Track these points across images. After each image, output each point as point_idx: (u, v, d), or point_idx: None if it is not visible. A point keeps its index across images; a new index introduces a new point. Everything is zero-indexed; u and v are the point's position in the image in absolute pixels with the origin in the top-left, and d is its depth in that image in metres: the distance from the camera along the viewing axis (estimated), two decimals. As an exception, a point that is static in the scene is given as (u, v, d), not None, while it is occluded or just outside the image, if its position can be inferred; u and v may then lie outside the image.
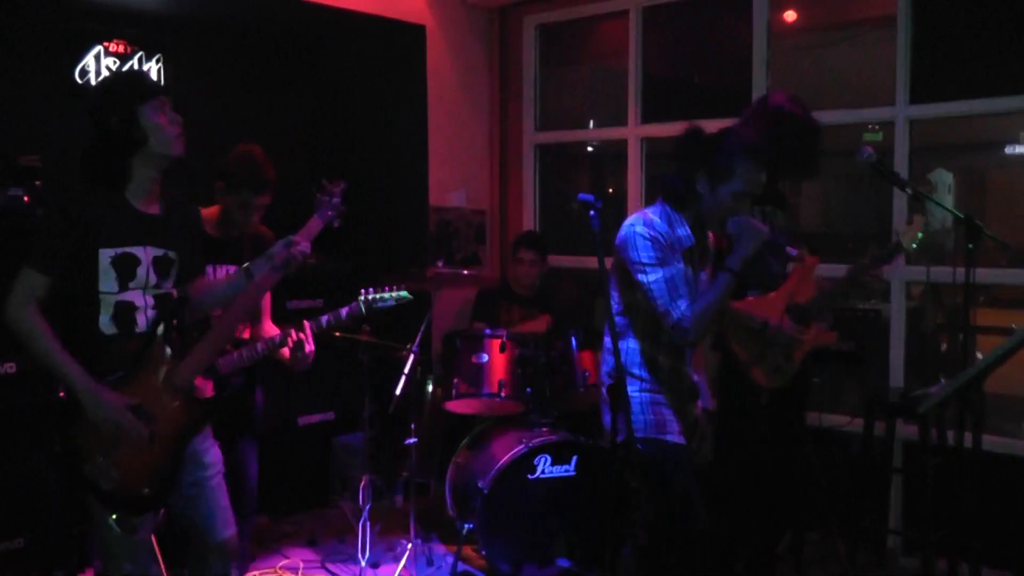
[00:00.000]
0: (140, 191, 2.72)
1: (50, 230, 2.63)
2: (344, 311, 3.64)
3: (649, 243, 2.94)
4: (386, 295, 3.71)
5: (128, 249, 2.67)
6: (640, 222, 2.99)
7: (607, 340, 3.12)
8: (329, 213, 2.98)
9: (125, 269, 2.66)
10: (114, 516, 2.67)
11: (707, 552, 3.04)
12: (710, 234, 3.19)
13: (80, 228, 2.60)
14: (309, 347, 3.38)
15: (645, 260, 2.93)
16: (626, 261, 2.99)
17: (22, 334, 2.60)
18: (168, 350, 2.73)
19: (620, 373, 2.76)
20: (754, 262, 3.50)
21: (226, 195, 3.64)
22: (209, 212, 3.68)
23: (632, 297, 3.04)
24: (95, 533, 2.78)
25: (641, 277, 2.94)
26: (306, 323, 3.46)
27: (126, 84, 2.78)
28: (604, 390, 2.99)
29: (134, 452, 2.65)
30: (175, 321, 2.79)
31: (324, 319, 3.60)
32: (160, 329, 2.72)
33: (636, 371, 3.05)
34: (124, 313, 2.67)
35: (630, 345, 3.07)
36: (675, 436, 3.05)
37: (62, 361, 2.59)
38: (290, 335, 3.39)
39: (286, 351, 3.43)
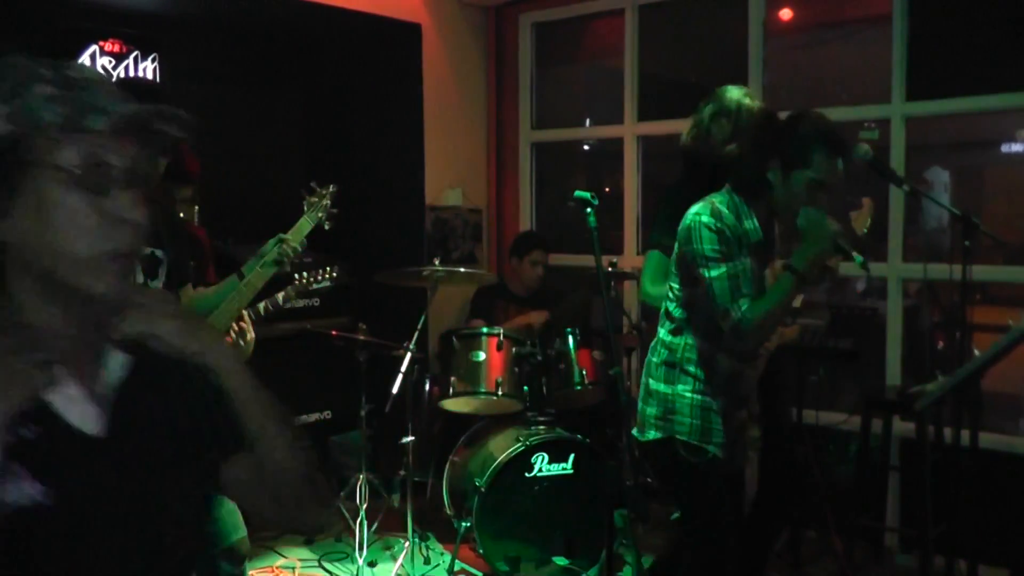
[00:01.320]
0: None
1: None
2: (280, 296, 3.58)
3: (715, 235, 2.73)
4: (322, 279, 3.62)
5: None
6: (707, 212, 2.77)
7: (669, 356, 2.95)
8: (319, 215, 2.97)
9: None
10: None
11: (730, 570, 2.92)
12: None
13: None
14: (251, 334, 3.18)
15: (709, 253, 2.73)
16: (688, 253, 2.80)
17: None
18: None
19: (616, 368, 2.72)
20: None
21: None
22: None
23: (693, 292, 2.86)
24: None
25: (703, 271, 2.75)
26: (244, 311, 3.39)
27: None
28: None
29: None
30: None
31: (262, 305, 3.55)
32: None
33: (692, 369, 2.87)
34: None
35: (688, 342, 2.88)
36: (716, 448, 2.88)
37: None
38: (231, 326, 3.32)
39: (228, 339, 3.35)
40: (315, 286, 3.59)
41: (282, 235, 2.85)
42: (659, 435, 2.92)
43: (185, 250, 2.90)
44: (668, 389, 2.91)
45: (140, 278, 2.70)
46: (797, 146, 2.75)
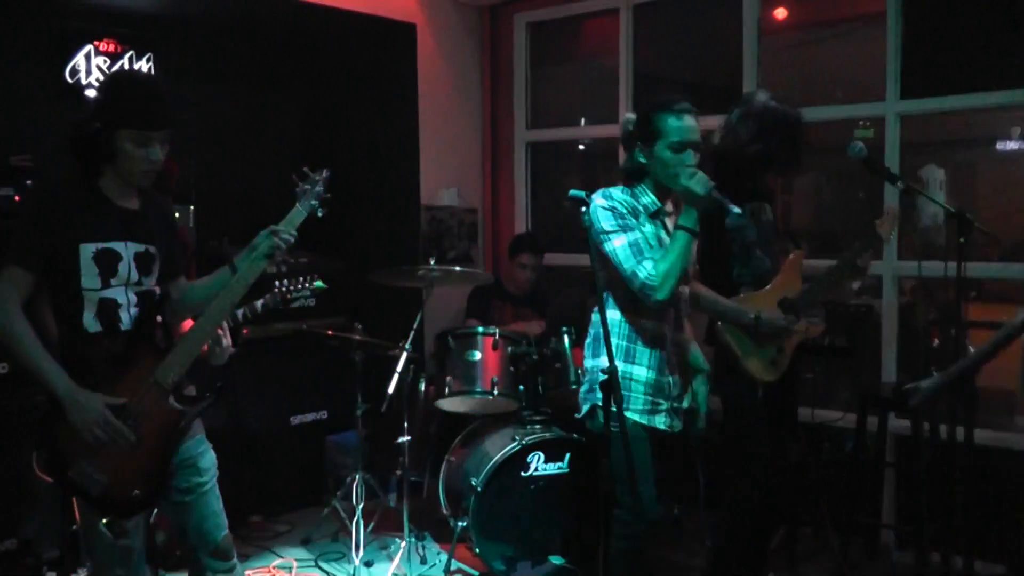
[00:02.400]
0: (115, 187, 2.68)
1: (27, 224, 2.59)
2: (259, 303, 3.57)
3: (608, 212, 3.05)
4: (302, 288, 3.57)
5: (109, 244, 2.63)
6: (599, 195, 3.09)
7: (597, 330, 3.19)
8: (312, 202, 2.88)
9: (107, 265, 2.62)
10: (104, 520, 2.63)
11: (634, 549, 3.10)
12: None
13: (58, 221, 2.56)
14: (227, 340, 3.09)
15: (607, 227, 3.04)
16: (594, 236, 3.06)
17: (5, 336, 2.55)
18: (152, 348, 2.70)
19: (612, 365, 2.73)
20: (746, 256, 3.55)
21: None
22: None
23: (608, 271, 3.10)
24: (85, 537, 2.75)
25: (606, 246, 3.04)
26: None
27: (125, 98, 2.63)
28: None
29: (121, 454, 2.61)
30: (158, 318, 2.76)
31: (240, 312, 3.54)
32: (144, 327, 2.70)
33: (613, 341, 3.09)
34: (107, 310, 2.64)
35: (612, 317, 3.13)
36: (636, 414, 3.10)
37: (42, 365, 2.55)
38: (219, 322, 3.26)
39: (204, 347, 3.33)
40: (294, 295, 3.55)
41: (273, 226, 2.80)
42: (586, 407, 3.22)
43: (176, 244, 2.90)
44: (592, 363, 3.23)
45: (135, 276, 2.69)
46: (645, 124, 3.09)
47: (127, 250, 2.67)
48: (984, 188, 5.80)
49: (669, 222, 3.20)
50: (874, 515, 4.63)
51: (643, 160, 3.11)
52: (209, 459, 2.88)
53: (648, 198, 3.14)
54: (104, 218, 2.64)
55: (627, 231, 3.03)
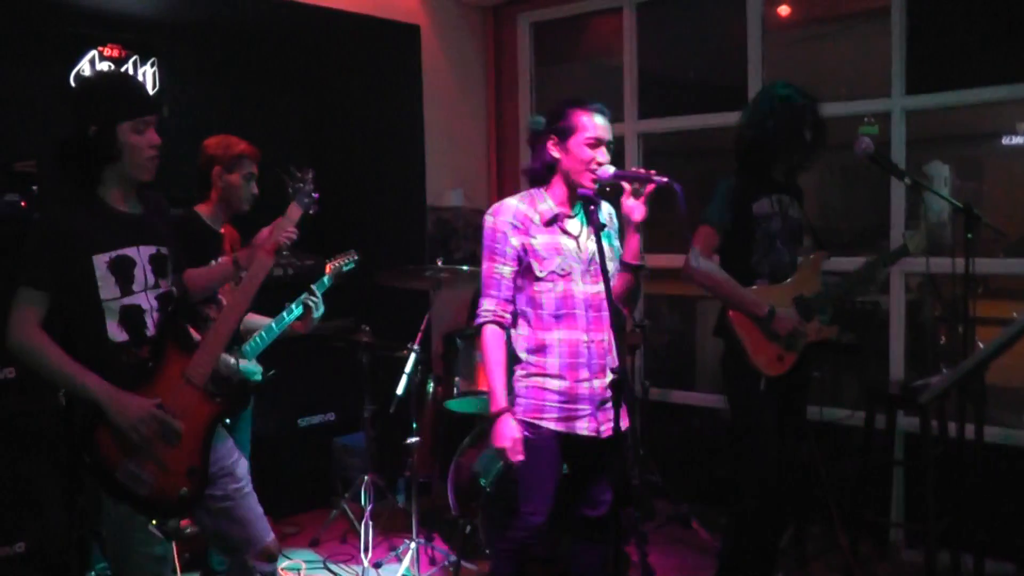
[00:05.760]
0: (115, 193, 2.68)
1: (35, 243, 2.58)
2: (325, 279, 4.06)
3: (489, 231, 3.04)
4: (347, 260, 4.14)
5: (122, 252, 2.63)
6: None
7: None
8: (305, 200, 2.98)
9: (123, 273, 2.62)
10: (154, 522, 2.62)
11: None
12: None
13: (66, 237, 2.56)
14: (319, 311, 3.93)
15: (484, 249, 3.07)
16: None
17: (28, 356, 2.54)
18: (178, 348, 2.71)
19: (623, 368, 2.72)
20: (767, 247, 3.54)
21: (229, 174, 3.72)
22: (205, 207, 3.73)
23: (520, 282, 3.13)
24: (115, 548, 2.71)
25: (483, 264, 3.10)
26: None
27: (114, 94, 2.67)
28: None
29: (164, 454, 2.61)
30: (179, 318, 2.77)
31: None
32: (167, 329, 2.71)
33: (523, 355, 3.08)
34: (132, 317, 2.63)
35: (520, 332, 3.10)
36: (552, 423, 3.03)
37: (75, 373, 2.53)
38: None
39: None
40: (344, 269, 4.13)
41: (275, 222, 2.92)
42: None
43: (179, 244, 2.91)
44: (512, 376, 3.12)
45: (152, 279, 2.69)
46: (559, 123, 3.00)
47: (140, 255, 2.67)
48: (990, 183, 5.78)
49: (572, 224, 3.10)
50: (883, 513, 4.62)
51: (557, 156, 3.03)
52: (244, 467, 2.90)
53: (547, 204, 3.05)
54: (111, 226, 2.64)
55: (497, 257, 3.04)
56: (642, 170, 2.96)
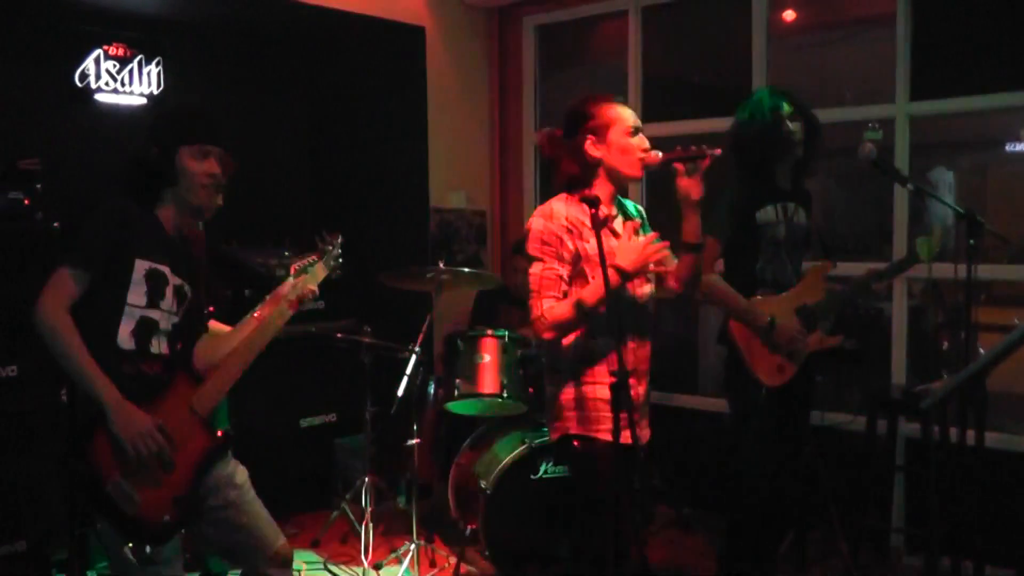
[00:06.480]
0: (168, 214, 2.72)
1: (93, 228, 2.59)
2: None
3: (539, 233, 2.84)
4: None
5: (159, 267, 2.65)
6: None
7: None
8: (331, 263, 3.00)
9: (156, 286, 2.64)
10: (129, 544, 2.56)
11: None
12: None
13: (122, 229, 2.59)
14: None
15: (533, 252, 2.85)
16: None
17: (50, 333, 2.50)
18: (188, 376, 2.71)
19: (623, 373, 2.66)
20: (772, 255, 3.53)
21: None
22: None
23: None
24: (116, 565, 2.67)
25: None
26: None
27: (180, 119, 2.75)
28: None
29: (156, 477, 2.58)
30: (188, 348, 2.78)
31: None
32: (182, 354, 2.72)
33: (566, 366, 2.92)
34: (145, 329, 2.63)
35: (558, 341, 2.93)
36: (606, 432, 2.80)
37: (91, 369, 2.50)
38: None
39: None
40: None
41: (298, 277, 2.93)
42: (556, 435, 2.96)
43: (207, 289, 2.89)
44: (552, 390, 2.95)
45: (173, 305, 2.70)
46: (589, 122, 2.95)
47: (172, 277, 2.69)
48: (993, 189, 5.78)
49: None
50: (884, 519, 4.62)
51: (595, 153, 2.93)
52: (242, 473, 2.86)
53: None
54: (158, 240, 2.67)
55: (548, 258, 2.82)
56: (692, 147, 2.85)
